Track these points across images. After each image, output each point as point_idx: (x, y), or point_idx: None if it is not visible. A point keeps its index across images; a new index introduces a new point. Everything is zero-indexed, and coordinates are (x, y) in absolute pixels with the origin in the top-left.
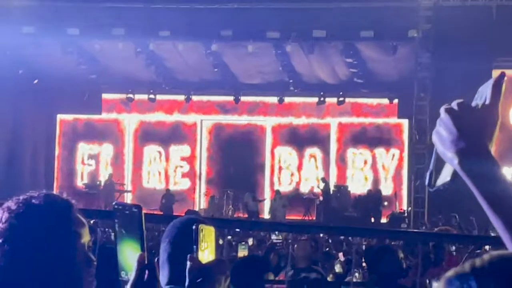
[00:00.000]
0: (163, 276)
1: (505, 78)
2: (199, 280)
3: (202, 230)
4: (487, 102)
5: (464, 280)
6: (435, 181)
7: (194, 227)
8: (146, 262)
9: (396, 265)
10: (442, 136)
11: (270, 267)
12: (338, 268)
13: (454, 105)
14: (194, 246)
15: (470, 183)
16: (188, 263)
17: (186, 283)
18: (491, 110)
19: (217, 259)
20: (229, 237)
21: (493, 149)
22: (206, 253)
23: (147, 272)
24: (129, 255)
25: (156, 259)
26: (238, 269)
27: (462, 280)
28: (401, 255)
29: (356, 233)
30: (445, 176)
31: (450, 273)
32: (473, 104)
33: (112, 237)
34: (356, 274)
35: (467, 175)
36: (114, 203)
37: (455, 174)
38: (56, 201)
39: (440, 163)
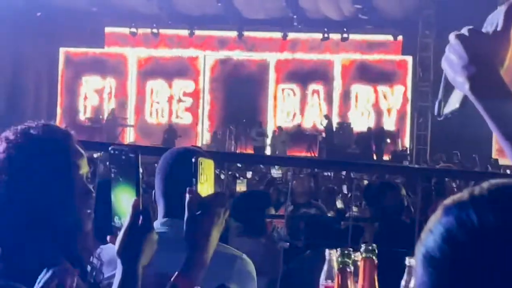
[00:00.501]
0: (159, 209)
1: None
2: (198, 213)
3: (201, 163)
4: (499, 28)
5: (463, 209)
6: (443, 110)
7: (193, 160)
8: (140, 207)
9: (398, 201)
10: (452, 61)
11: (271, 201)
12: (339, 204)
13: (464, 31)
14: (194, 179)
15: (481, 108)
16: (187, 196)
17: (186, 216)
18: (503, 36)
19: (216, 192)
20: (229, 172)
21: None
22: (205, 186)
23: (141, 217)
24: (123, 200)
25: (153, 193)
26: (239, 203)
27: (460, 209)
28: (403, 192)
29: (356, 169)
30: (454, 103)
31: (448, 201)
32: (483, 31)
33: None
34: (355, 209)
35: (478, 100)
36: (110, 148)
37: (464, 100)
38: (55, 131)
39: (448, 92)
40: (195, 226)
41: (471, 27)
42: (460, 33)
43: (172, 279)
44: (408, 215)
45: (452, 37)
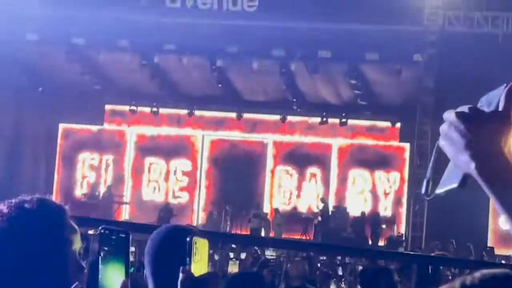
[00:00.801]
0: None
1: None
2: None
3: (195, 242)
4: (500, 108)
5: None
6: (432, 189)
7: (188, 239)
8: None
9: (391, 287)
10: (454, 139)
11: (265, 283)
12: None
13: (463, 108)
14: (187, 258)
15: (487, 188)
16: (181, 275)
17: None
18: (505, 116)
19: (209, 272)
20: (222, 251)
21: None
22: (199, 266)
23: None
24: (112, 279)
25: (145, 272)
26: (232, 285)
27: None
28: (396, 277)
29: (352, 253)
30: (450, 182)
31: None
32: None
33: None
34: None
35: (484, 181)
36: (101, 227)
37: (464, 180)
38: (49, 206)
39: (436, 172)
40: None
41: (470, 105)
42: (460, 111)
43: None
44: None
45: (451, 115)
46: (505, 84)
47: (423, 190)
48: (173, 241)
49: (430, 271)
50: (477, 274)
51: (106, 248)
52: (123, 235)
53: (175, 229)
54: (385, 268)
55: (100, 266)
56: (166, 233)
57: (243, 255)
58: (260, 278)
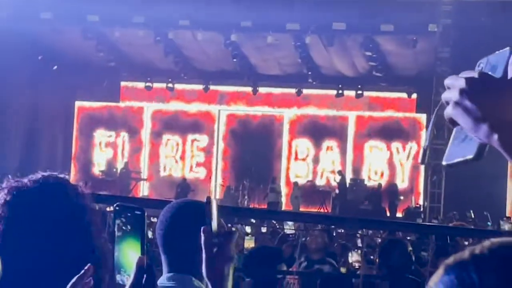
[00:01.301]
0: (165, 263)
1: None
2: (215, 250)
3: (210, 202)
4: (510, 75)
5: (464, 268)
6: (429, 157)
7: (206, 199)
8: (145, 265)
9: (405, 258)
10: (469, 109)
11: (283, 257)
12: (354, 257)
13: (472, 74)
14: (207, 219)
15: (511, 158)
16: (202, 235)
17: (204, 256)
18: None
19: (229, 230)
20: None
21: None
22: (215, 224)
23: (145, 276)
24: (129, 254)
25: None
26: (251, 259)
27: (461, 268)
28: (410, 248)
29: (370, 226)
30: (463, 153)
31: (449, 260)
32: (476, 70)
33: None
34: (368, 266)
35: (509, 150)
36: (115, 204)
37: (481, 151)
38: (51, 183)
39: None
40: (214, 265)
41: (478, 70)
42: (469, 77)
43: None
44: (415, 273)
45: (459, 82)
46: (509, 47)
47: (420, 159)
48: (182, 215)
49: (448, 242)
50: (486, 243)
51: (121, 226)
52: (139, 212)
53: (184, 203)
54: (399, 239)
55: (115, 243)
56: (176, 208)
57: (263, 229)
58: (279, 252)
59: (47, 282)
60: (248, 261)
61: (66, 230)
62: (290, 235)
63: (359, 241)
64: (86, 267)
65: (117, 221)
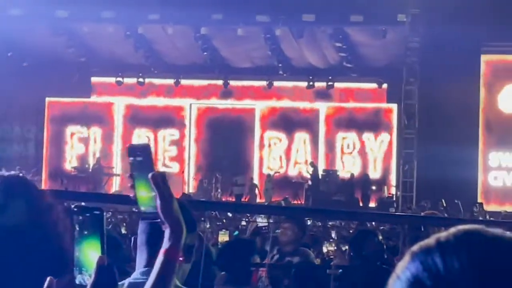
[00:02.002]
0: (141, 258)
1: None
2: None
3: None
4: None
5: (429, 254)
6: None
7: (145, 144)
8: (105, 265)
9: (377, 248)
10: None
11: (256, 250)
12: (325, 250)
13: None
14: (150, 165)
15: None
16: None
17: (157, 196)
18: None
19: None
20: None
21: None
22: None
23: (106, 275)
24: (88, 254)
25: (133, 239)
26: (225, 252)
27: (426, 254)
28: (380, 237)
29: (343, 217)
30: None
31: (415, 247)
32: None
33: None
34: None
35: None
36: (73, 206)
37: None
38: (13, 183)
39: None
40: (166, 203)
41: None
42: None
43: (161, 254)
44: (388, 261)
45: None
46: None
47: None
48: None
49: (421, 230)
50: (452, 229)
51: (80, 226)
52: (97, 212)
53: None
54: (369, 230)
55: (75, 244)
56: None
57: (234, 224)
58: (253, 244)
59: (12, 286)
60: (221, 254)
61: (29, 232)
62: (263, 228)
63: (333, 232)
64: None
65: (76, 222)
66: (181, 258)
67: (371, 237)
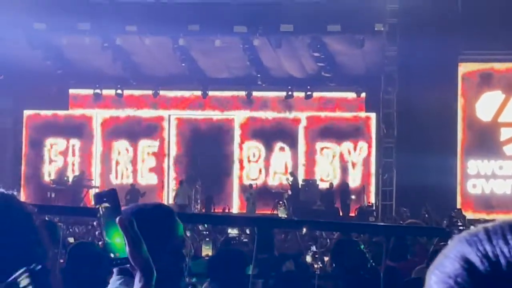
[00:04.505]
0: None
1: None
2: None
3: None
4: None
5: (478, 239)
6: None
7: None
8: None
9: (359, 257)
10: None
11: (248, 260)
12: (309, 260)
13: None
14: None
15: None
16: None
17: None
18: None
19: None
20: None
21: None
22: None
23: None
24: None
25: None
26: (216, 263)
27: (476, 239)
28: (362, 246)
29: (324, 227)
30: None
31: (463, 233)
32: None
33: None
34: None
35: None
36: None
37: None
38: None
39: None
40: (135, 247)
41: None
42: None
43: None
44: (372, 271)
45: None
46: None
47: None
48: (143, 219)
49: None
50: (498, 220)
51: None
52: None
53: (138, 209)
54: (350, 239)
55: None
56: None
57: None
58: (244, 254)
59: None
60: (213, 264)
61: (9, 248)
62: (235, 238)
63: (313, 242)
64: None
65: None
66: None
67: (352, 246)
